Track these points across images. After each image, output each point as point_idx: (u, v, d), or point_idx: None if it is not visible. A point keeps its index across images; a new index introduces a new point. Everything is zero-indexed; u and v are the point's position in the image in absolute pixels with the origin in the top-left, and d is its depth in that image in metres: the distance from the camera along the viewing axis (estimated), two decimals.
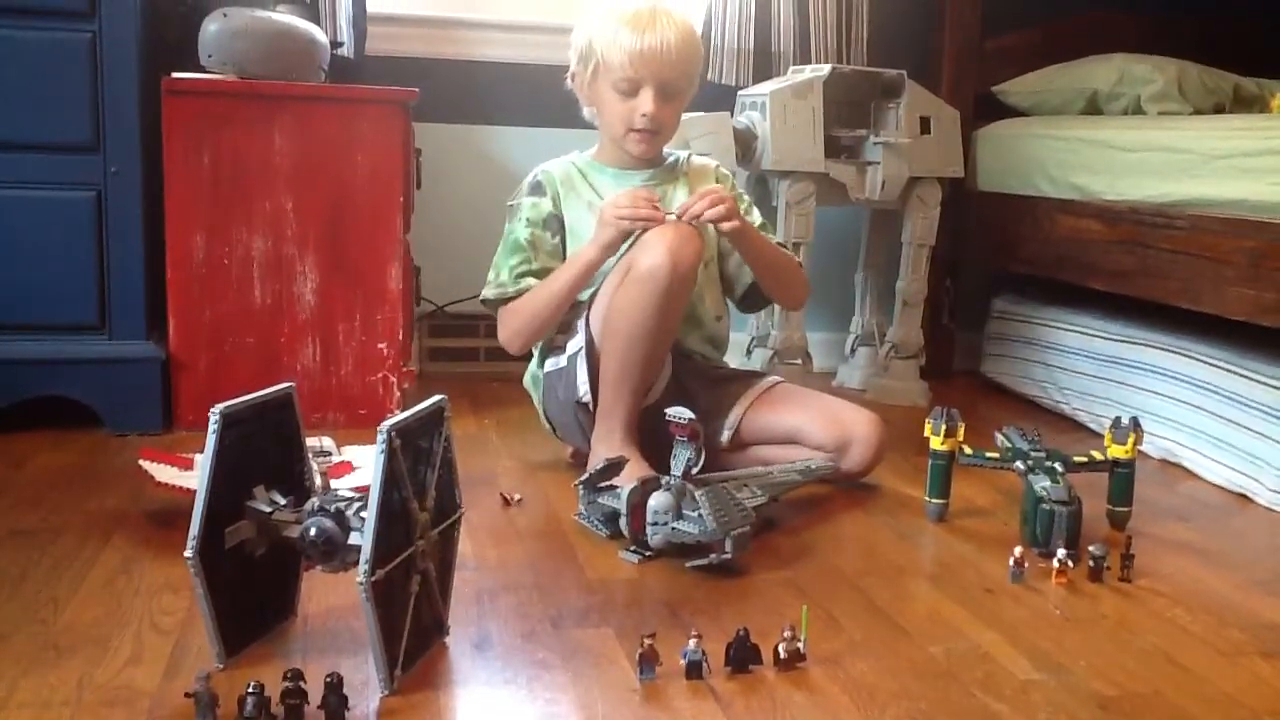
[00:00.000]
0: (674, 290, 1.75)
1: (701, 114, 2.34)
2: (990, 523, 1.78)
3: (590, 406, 1.84)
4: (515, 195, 1.97)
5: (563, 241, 1.94)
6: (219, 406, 1.15)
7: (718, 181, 2.00)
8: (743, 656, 1.23)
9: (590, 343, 1.83)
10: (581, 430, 1.88)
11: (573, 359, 1.86)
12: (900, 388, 2.59)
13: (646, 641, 1.19)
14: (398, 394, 2.20)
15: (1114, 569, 1.54)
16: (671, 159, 2.01)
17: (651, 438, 1.80)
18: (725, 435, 1.92)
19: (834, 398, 1.97)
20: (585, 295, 1.89)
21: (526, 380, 2.02)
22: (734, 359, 2.24)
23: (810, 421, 1.89)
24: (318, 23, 2.34)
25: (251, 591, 1.23)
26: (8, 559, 1.47)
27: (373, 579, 1.08)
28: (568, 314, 1.89)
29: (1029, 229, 2.56)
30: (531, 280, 1.90)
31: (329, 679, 1.09)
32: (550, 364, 1.93)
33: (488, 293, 1.93)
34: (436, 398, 1.21)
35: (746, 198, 2.07)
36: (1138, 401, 2.25)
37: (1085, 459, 1.74)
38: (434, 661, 1.23)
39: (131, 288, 2.07)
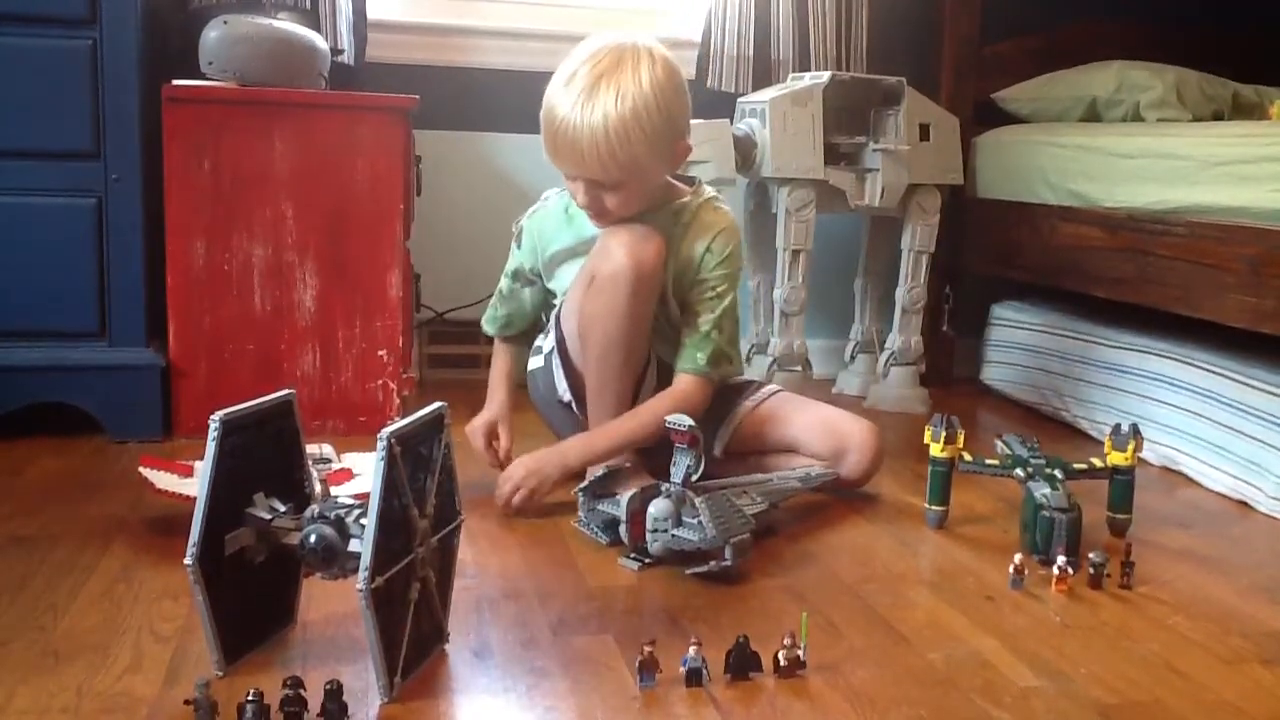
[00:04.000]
0: (640, 290, 1.70)
1: (701, 121, 2.32)
2: (990, 530, 1.78)
3: (573, 406, 1.83)
4: (516, 223, 1.96)
5: (541, 287, 1.93)
6: (219, 413, 1.15)
7: (709, 249, 1.77)
8: (742, 664, 1.22)
9: (561, 340, 1.83)
10: (573, 426, 1.88)
11: (548, 358, 1.87)
12: (900, 395, 2.59)
13: (646, 649, 1.19)
14: (397, 401, 2.20)
15: (1114, 576, 1.54)
16: (675, 207, 1.81)
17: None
18: (719, 447, 1.91)
19: (831, 407, 1.96)
20: (558, 295, 1.88)
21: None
22: None
23: (807, 431, 1.88)
24: (318, 30, 2.34)
25: (251, 599, 1.23)
26: (7, 566, 1.47)
27: (372, 586, 1.08)
28: (542, 309, 1.97)
29: (1028, 236, 2.56)
30: (491, 329, 2.02)
31: (328, 686, 1.09)
32: (532, 363, 1.95)
33: (483, 319, 2.05)
34: (436, 404, 1.21)
35: (732, 275, 1.81)
36: (1137, 408, 2.25)
37: (1085, 466, 1.73)
38: (434, 669, 1.23)
39: (132, 294, 2.07)
